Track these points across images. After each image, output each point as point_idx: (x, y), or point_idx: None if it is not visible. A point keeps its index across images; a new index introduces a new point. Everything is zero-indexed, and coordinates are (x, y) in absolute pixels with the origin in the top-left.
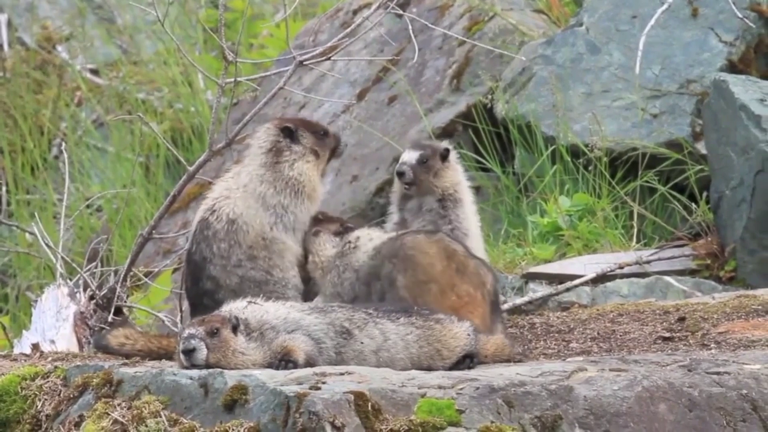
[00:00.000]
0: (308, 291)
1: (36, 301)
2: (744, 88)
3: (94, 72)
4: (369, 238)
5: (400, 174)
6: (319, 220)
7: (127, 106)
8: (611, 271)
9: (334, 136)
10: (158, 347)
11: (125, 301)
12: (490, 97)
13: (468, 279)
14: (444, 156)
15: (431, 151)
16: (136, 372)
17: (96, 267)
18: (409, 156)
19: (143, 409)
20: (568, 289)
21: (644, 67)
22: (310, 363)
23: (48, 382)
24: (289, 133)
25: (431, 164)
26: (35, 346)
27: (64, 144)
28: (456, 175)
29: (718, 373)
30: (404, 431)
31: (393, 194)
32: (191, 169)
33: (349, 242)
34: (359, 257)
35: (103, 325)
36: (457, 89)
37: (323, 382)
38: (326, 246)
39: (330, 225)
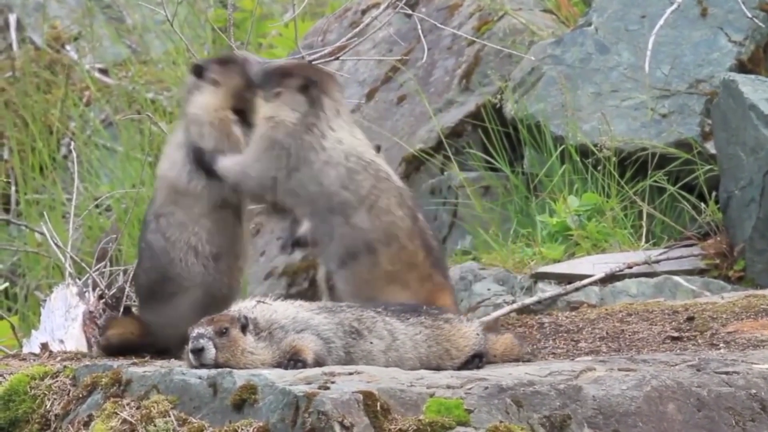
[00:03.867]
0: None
1: (45, 300)
2: (753, 88)
3: (103, 71)
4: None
5: None
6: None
7: (136, 105)
8: (620, 270)
9: (240, 62)
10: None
11: (134, 301)
12: (499, 96)
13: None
14: None
15: None
16: (144, 371)
17: (105, 266)
18: None
19: (152, 408)
20: (577, 289)
21: (653, 67)
22: (319, 363)
23: (57, 381)
24: (197, 71)
25: None
26: (44, 346)
27: (73, 143)
28: None
29: (727, 373)
30: (413, 431)
31: None
32: None
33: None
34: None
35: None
36: (466, 89)
37: (332, 382)
38: (286, 109)
39: (291, 80)
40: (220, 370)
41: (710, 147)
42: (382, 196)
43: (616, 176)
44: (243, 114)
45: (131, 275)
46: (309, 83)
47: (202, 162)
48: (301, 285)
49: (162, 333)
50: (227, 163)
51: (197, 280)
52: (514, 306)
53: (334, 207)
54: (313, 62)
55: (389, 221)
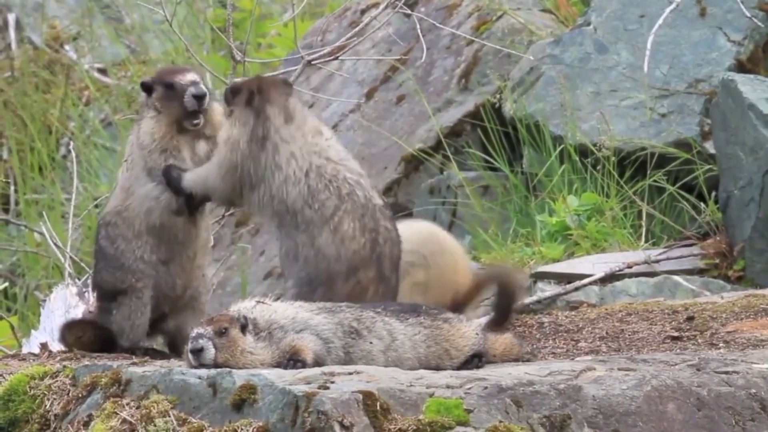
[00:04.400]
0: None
1: (44, 300)
2: (752, 88)
3: (102, 71)
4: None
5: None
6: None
7: (135, 105)
8: (620, 270)
9: (180, 89)
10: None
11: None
12: (498, 96)
13: None
14: None
15: None
16: (144, 371)
17: None
18: None
19: (152, 408)
20: (576, 289)
21: (652, 67)
22: (318, 363)
23: (57, 381)
24: (146, 88)
25: None
26: (44, 346)
27: (72, 143)
28: None
29: (726, 373)
30: (413, 431)
31: None
32: None
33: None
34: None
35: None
36: (465, 89)
37: (332, 382)
38: (237, 125)
39: (239, 96)
40: (219, 370)
41: (709, 147)
42: (345, 219)
43: (616, 176)
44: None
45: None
46: (252, 94)
47: (170, 179)
48: None
49: (117, 333)
50: (192, 177)
51: (149, 282)
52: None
53: (299, 224)
54: (312, 62)
55: (352, 250)
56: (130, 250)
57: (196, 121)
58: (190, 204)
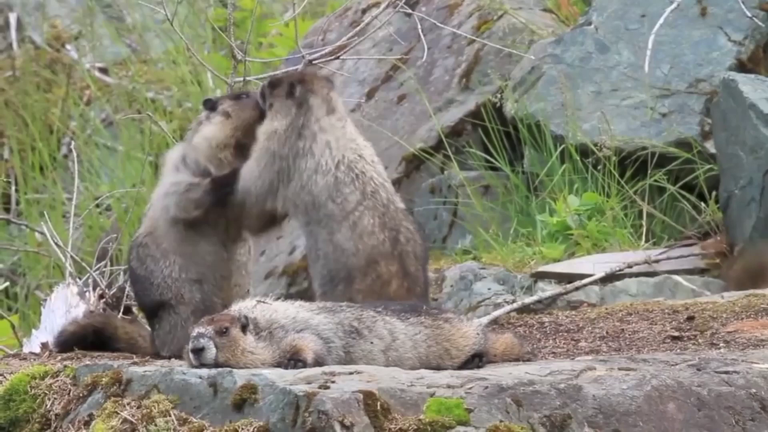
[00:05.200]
0: None
1: (45, 300)
2: (753, 87)
3: (103, 71)
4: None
5: None
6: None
7: (136, 105)
8: (620, 270)
9: (254, 96)
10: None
11: (134, 301)
12: (499, 96)
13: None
14: None
15: None
16: (145, 371)
17: (105, 266)
18: None
19: (152, 408)
20: (577, 289)
21: (653, 66)
22: (319, 362)
23: (57, 381)
24: (210, 105)
25: None
26: (44, 345)
27: (73, 143)
28: None
29: (727, 372)
30: (413, 430)
31: None
32: None
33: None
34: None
35: None
36: (466, 88)
37: (332, 382)
38: (278, 117)
39: (279, 89)
40: (220, 369)
41: (710, 146)
42: (366, 215)
43: (616, 176)
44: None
45: None
46: (293, 85)
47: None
48: (301, 284)
49: (159, 346)
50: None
51: (184, 300)
52: (515, 305)
53: (320, 219)
54: (314, 61)
55: (371, 245)
56: (158, 270)
57: None
58: (217, 195)
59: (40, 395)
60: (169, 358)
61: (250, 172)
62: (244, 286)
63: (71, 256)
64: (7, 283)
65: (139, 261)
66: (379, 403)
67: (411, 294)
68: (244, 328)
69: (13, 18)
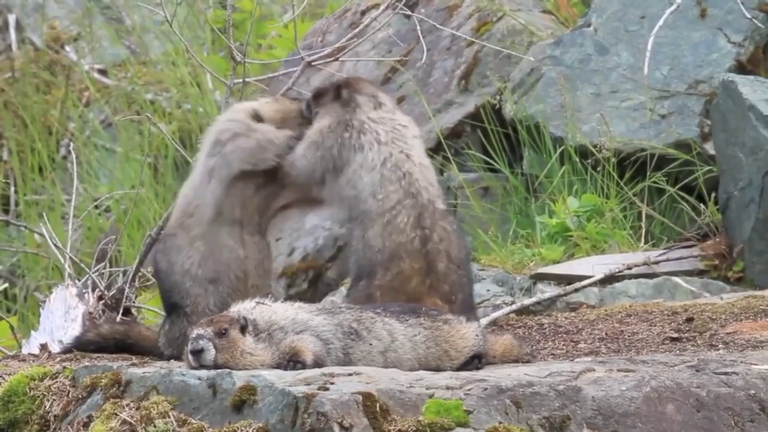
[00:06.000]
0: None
1: (44, 301)
2: (752, 89)
3: (103, 72)
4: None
5: None
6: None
7: (135, 106)
8: (619, 271)
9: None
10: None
11: (134, 302)
12: (498, 97)
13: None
14: None
15: None
16: (144, 372)
17: (104, 267)
18: None
19: (152, 409)
20: (576, 290)
21: (653, 68)
22: (318, 364)
23: (56, 382)
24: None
25: None
26: (44, 347)
27: (72, 144)
28: None
29: (726, 374)
30: None
31: None
32: None
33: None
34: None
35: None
36: (465, 90)
37: (331, 383)
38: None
39: (324, 97)
40: (219, 371)
41: (709, 148)
42: (402, 214)
43: (616, 177)
44: None
45: (131, 276)
46: (339, 88)
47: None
48: (300, 286)
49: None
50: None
51: (198, 305)
52: (514, 307)
53: (357, 215)
54: (313, 63)
55: (397, 242)
56: (179, 262)
57: None
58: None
59: (39, 396)
60: (169, 358)
61: (299, 156)
62: (261, 288)
63: (70, 258)
64: (6, 285)
65: (163, 253)
66: (378, 405)
67: (434, 291)
68: (243, 330)
69: (12, 19)
